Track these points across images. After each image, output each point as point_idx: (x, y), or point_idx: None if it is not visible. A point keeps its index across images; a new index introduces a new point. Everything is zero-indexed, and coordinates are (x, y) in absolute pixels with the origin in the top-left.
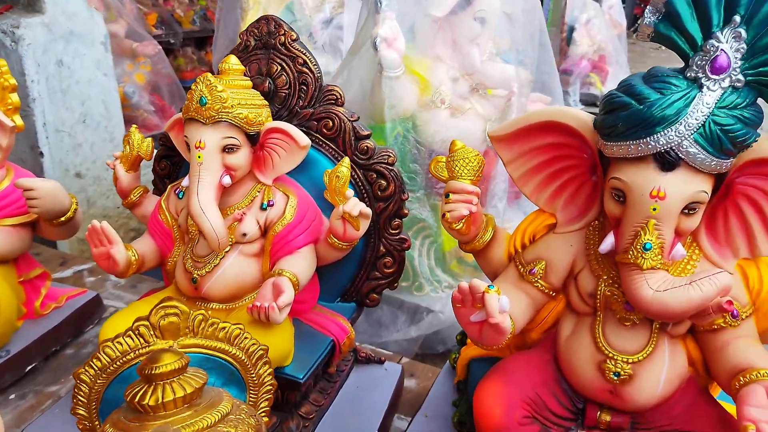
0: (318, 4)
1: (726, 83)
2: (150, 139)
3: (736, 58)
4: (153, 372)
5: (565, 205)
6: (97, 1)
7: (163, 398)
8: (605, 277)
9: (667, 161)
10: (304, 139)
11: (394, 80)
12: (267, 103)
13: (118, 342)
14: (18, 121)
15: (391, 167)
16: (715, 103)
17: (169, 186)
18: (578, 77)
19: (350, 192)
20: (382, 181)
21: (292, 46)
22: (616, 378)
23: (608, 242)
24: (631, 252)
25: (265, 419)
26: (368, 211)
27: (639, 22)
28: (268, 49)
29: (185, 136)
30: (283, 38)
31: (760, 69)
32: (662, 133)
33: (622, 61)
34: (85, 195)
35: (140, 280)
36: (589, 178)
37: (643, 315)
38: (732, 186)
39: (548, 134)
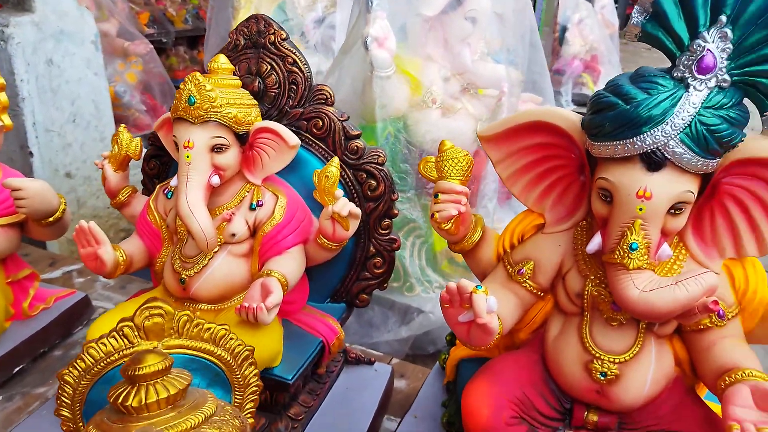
0: (310, 3)
1: (712, 83)
2: (139, 138)
3: (722, 58)
4: (136, 373)
5: (554, 205)
6: (89, 0)
7: (146, 399)
8: (592, 277)
9: (654, 161)
10: (293, 139)
11: (385, 80)
12: (256, 102)
13: (102, 343)
14: (7, 120)
15: (381, 167)
16: (702, 103)
17: (157, 186)
18: (570, 77)
19: (340, 192)
20: (372, 181)
21: (281, 46)
22: (602, 378)
23: (595, 242)
24: (617, 252)
25: (251, 420)
26: (357, 211)
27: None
28: (257, 48)
29: (174, 136)
30: (272, 37)
31: (746, 69)
32: (649, 133)
33: (614, 60)
34: (75, 195)
35: (129, 280)
36: (577, 178)
37: (629, 315)
38: (718, 186)
39: (536, 134)
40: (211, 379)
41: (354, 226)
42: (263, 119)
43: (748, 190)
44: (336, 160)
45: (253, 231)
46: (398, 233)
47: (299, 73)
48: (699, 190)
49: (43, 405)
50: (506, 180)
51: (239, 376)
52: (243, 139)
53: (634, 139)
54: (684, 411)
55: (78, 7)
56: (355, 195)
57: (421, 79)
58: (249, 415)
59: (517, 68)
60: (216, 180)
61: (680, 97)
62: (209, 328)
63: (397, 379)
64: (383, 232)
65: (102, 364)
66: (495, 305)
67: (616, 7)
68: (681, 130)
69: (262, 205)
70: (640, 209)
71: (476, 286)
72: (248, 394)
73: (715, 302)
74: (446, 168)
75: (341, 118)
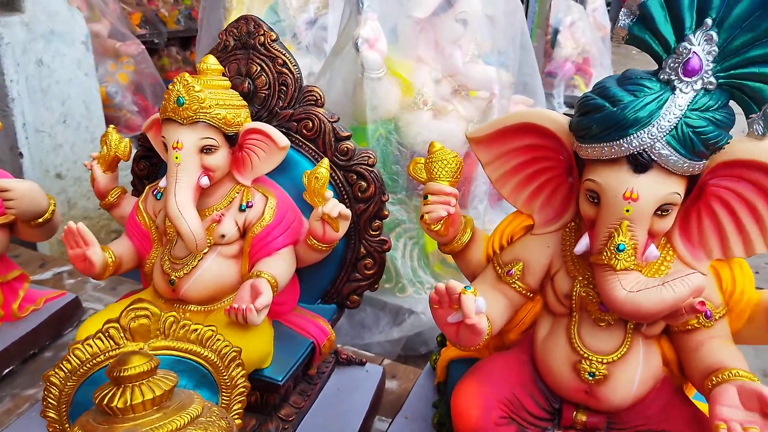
0: (302, 5)
1: (698, 85)
2: (128, 139)
3: (708, 60)
4: (122, 374)
5: (542, 206)
6: (80, 1)
7: (131, 400)
8: (580, 278)
9: (640, 163)
10: (283, 140)
11: (376, 81)
12: (246, 103)
13: (87, 344)
14: None
15: (371, 168)
16: (688, 106)
17: (147, 187)
18: (562, 79)
19: (329, 193)
20: (363, 183)
21: (271, 47)
22: (591, 378)
23: (583, 243)
24: (605, 253)
25: (238, 422)
26: (347, 212)
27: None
28: (247, 49)
29: (163, 137)
30: (262, 38)
31: (732, 72)
32: (635, 135)
33: (606, 63)
34: (66, 196)
35: (120, 282)
36: (566, 179)
37: (617, 316)
38: (705, 188)
39: (525, 136)
40: (198, 380)
41: (344, 227)
42: (253, 120)
43: (735, 191)
44: (326, 161)
45: (243, 232)
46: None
47: (289, 74)
48: (686, 192)
49: (32, 407)
50: (495, 181)
51: (226, 377)
52: (232, 140)
53: (621, 141)
54: (672, 411)
55: (68, 7)
56: (345, 196)
57: (412, 80)
58: (236, 417)
59: (508, 70)
60: (205, 181)
61: (666, 100)
62: (196, 330)
63: (388, 380)
64: (374, 233)
65: (88, 365)
66: (484, 306)
67: (608, 10)
68: (667, 132)
69: (251, 207)
70: (627, 210)
71: (465, 287)
72: (235, 395)
73: (702, 303)
74: (435, 169)
75: (331, 120)
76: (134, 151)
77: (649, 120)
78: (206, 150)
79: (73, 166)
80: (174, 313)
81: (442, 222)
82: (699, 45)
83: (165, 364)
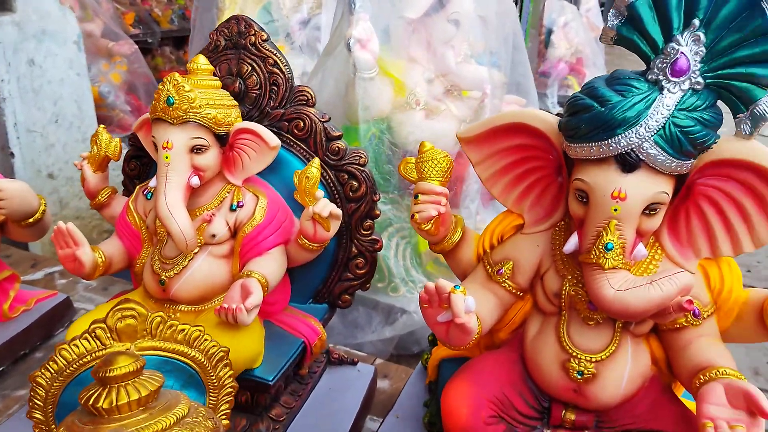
0: (295, 5)
1: (686, 86)
2: (118, 139)
3: (695, 60)
4: (107, 375)
5: (532, 206)
6: (72, 0)
7: (117, 401)
8: (570, 277)
9: (628, 162)
10: (273, 140)
11: (368, 81)
12: (236, 103)
13: (74, 345)
14: None
15: (362, 168)
16: (675, 105)
17: (137, 187)
18: (556, 80)
19: (320, 193)
20: (354, 182)
21: (262, 47)
22: (579, 377)
23: (572, 242)
24: (593, 252)
25: (225, 422)
26: (338, 212)
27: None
28: (238, 49)
29: (153, 137)
30: (253, 38)
31: (719, 72)
32: (623, 134)
33: (599, 63)
34: (58, 196)
35: (112, 282)
36: (555, 179)
37: (606, 314)
38: (693, 187)
39: (515, 136)
40: (185, 380)
41: (335, 226)
42: (245, 120)
43: (723, 191)
44: (316, 161)
45: (234, 232)
46: (382, 234)
47: (280, 74)
48: (674, 191)
49: (22, 408)
50: (486, 181)
51: (214, 378)
52: (223, 140)
53: (609, 140)
54: (660, 409)
55: (60, 7)
56: (336, 196)
57: (405, 80)
58: (223, 417)
59: (500, 70)
60: (195, 181)
61: (654, 100)
62: (183, 330)
63: (380, 379)
64: (365, 232)
65: (74, 365)
66: (473, 305)
67: (602, 11)
68: (655, 131)
69: (242, 206)
70: (615, 210)
71: (455, 286)
72: (223, 396)
73: (690, 301)
74: (426, 169)
75: (322, 119)
76: (125, 150)
77: (637, 120)
78: (196, 150)
79: (65, 166)
80: (161, 314)
81: (432, 221)
82: (687, 45)
83: (152, 364)
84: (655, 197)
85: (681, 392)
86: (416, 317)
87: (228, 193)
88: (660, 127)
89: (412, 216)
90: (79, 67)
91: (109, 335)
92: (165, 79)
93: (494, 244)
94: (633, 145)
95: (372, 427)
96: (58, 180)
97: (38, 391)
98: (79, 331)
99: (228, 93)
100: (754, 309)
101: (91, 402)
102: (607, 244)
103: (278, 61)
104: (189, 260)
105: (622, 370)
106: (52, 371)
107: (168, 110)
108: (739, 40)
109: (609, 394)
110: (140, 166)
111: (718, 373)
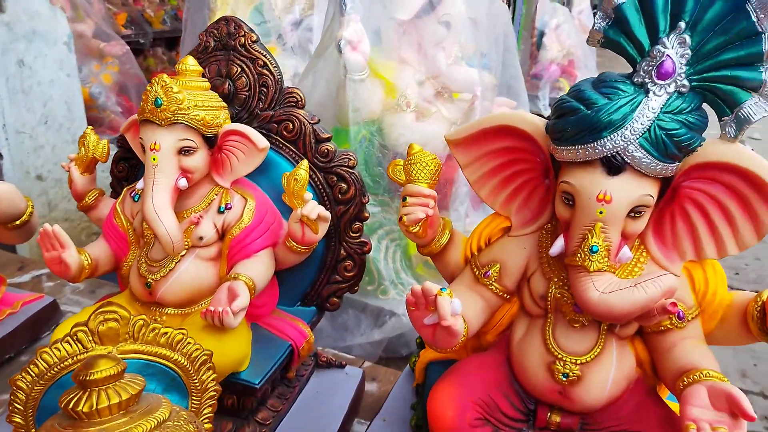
0: (287, 6)
1: (671, 88)
2: (106, 140)
3: (681, 63)
4: (88, 378)
5: (519, 208)
6: (64, 1)
7: (97, 405)
8: (556, 280)
9: (614, 165)
10: (262, 142)
11: (358, 83)
12: (225, 105)
13: (55, 348)
14: None
15: (351, 170)
16: (661, 108)
17: (125, 189)
18: (548, 82)
19: (309, 195)
20: (343, 184)
21: (252, 48)
22: (564, 379)
23: (558, 245)
24: (578, 254)
25: (208, 426)
26: (327, 214)
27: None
28: (227, 50)
29: (140, 138)
30: (243, 40)
31: (705, 75)
32: (609, 137)
33: (591, 65)
34: (47, 198)
35: (99, 285)
36: (542, 182)
37: (591, 317)
38: (678, 190)
39: (503, 138)
40: (168, 384)
41: (323, 229)
42: (234, 122)
43: (708, 193)
44: (305, 163)
45: (222, 234)
46: (372, 236)
47: (270, 75)
48: (659, 194)
49: (5, 412)
50: (473, 183)
51: (196, 381)
52: (211, 141)
53: (595, 143)
54: (645, 411)
55: (50, 7)
56: (325, 198)
57: (396, 82)
58: (206, 421)
59: (491, 72)
60: (183, 183)
61: (640, 102)
62: (166, 333)
63: (368, 382)
64: (354, 235)
65: (55, 369)
66: (459, 308)
67: (594, 13)
68: (640, 134)
69: (230, 208)
70: (600, 212)
71: (441, 289)
72: (206, 399)
73: (674, 304)
74: (414, 171)
75: (312, 121)
76: (114, 152)
77: (623, 123)
78: (184, 151)
79: (54, 167)
80: (143, 317)
81: (420, 224)
82: (672, 48)
83: (134, 367)
84: (640, 200)
85: (666, 395)
86: (405, 320)
87: (216, 195)
88: (645, 129)
89: (400, 218)
90: (69, 68)
91: (90, 338)
92: (153, 80)
93: (482, 247)
94: (618, 148)
95: (359, 431)
96: (47, 182)
97: (18, 394)
98: (63, 335)
99: (217, 94)
100: (738, 312)
101: (71, 406)
102: (592, 246)
103: (268, 63)
104: (176, 263)
105: (607, 373)
106: (33, 375)
107: (156, 111)
108: (725, 43)
109: (594, 396)
110: (129, 168)
111: (701, 375)
